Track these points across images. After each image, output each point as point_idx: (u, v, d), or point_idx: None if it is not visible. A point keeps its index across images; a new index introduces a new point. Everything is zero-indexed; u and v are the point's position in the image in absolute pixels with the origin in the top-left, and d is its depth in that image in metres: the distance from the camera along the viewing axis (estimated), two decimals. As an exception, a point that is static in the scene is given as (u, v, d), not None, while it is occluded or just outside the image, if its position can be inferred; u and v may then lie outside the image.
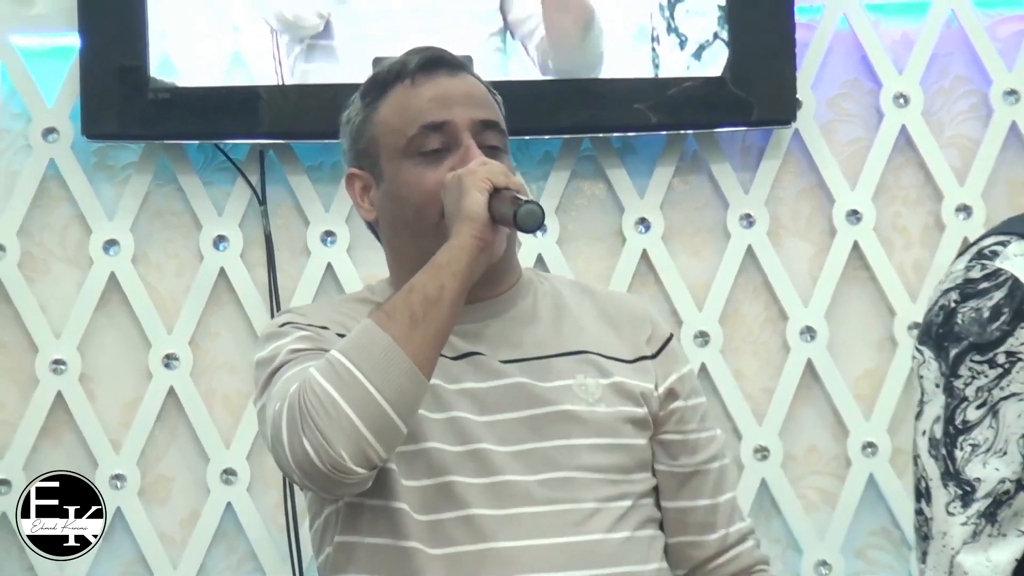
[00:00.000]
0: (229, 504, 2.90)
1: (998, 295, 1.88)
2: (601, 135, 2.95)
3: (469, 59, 1.99)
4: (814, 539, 2.97)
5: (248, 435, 2.89)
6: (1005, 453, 1.87)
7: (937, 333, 1.92)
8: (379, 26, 2.81)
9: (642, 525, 1.89)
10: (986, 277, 1.90)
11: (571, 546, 1.82)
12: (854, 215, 2.99)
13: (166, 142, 2.89)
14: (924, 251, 3.02)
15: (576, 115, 2.89)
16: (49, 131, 2.89)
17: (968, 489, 1.88)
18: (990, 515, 1.87)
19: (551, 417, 1.86)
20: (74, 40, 2.85)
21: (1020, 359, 1.87)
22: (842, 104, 3.05)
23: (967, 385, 1.90)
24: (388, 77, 1.94)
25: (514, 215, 1.76)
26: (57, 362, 2.88)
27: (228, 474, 2.90)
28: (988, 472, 1.87)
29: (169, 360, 2.90)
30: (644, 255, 2.96)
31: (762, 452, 2.96)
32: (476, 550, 1.79)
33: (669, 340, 2.00)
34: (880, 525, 3.01)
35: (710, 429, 2.00)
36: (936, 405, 1.92)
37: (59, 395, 2.89)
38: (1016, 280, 1.88)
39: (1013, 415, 1.87)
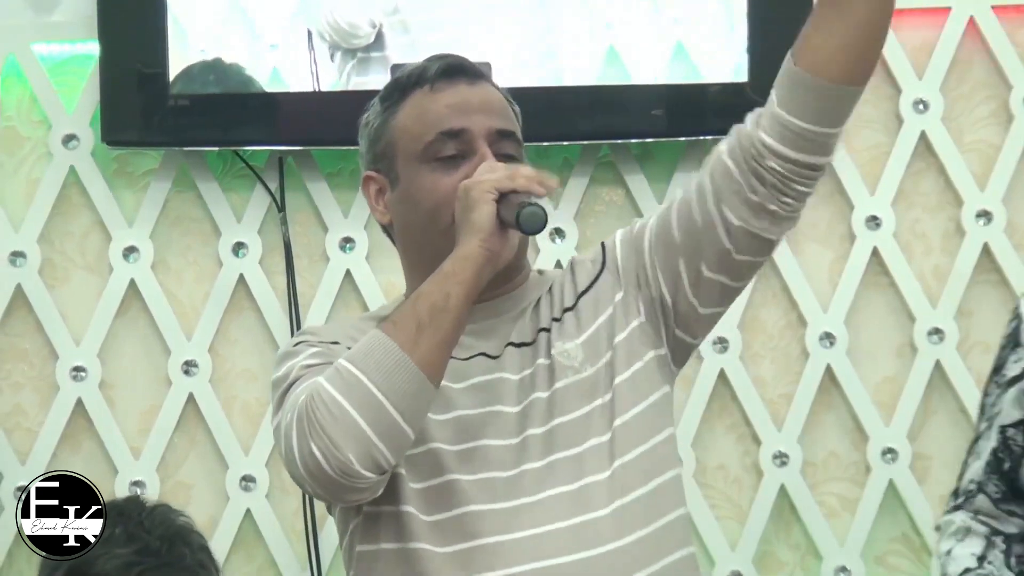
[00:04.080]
0: (248, 511, 2.90)
1: (1012, 325, 2.09)
2: (620, 141, 2.95)
3: (488, 66, 1.99)
4: (834, 545, 2.96)
5: (267, 442, 2.89)
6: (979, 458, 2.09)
7: None
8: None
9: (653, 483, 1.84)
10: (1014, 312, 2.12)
11: (573, 529, 1.79)
12: (873, 221, 2.99)
13: (185, 149, 2.90)
14: (944, 257, 3.01)
15: (594, 121, 2.89)
16: (69, 138, 2.90)
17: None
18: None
19: (546, 402, 1.85)
20: (94, 48, 2.86)
21: (1002, 383, 2.09)
22: (861, 109, 3.01)
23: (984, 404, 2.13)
24: (408, 82, 1.95)
25: (516, 218, 1.77)
26: (77, 369, 2.89)
27: (247, 481, 2.90)
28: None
29: (188, 367, 2.90)
30: (663, 261, 2.96)
31: (781, 458, 2.95)
32: (478, 545, 1.79)
33: (603, 247, 1.97)
34: (900, 531, 3.00)
35: (643, 222, 1.95)
36: None
37: (79, 402, 2.89)
38: (1018, 312, 2.08)
39: (995, 430, 2.07)
